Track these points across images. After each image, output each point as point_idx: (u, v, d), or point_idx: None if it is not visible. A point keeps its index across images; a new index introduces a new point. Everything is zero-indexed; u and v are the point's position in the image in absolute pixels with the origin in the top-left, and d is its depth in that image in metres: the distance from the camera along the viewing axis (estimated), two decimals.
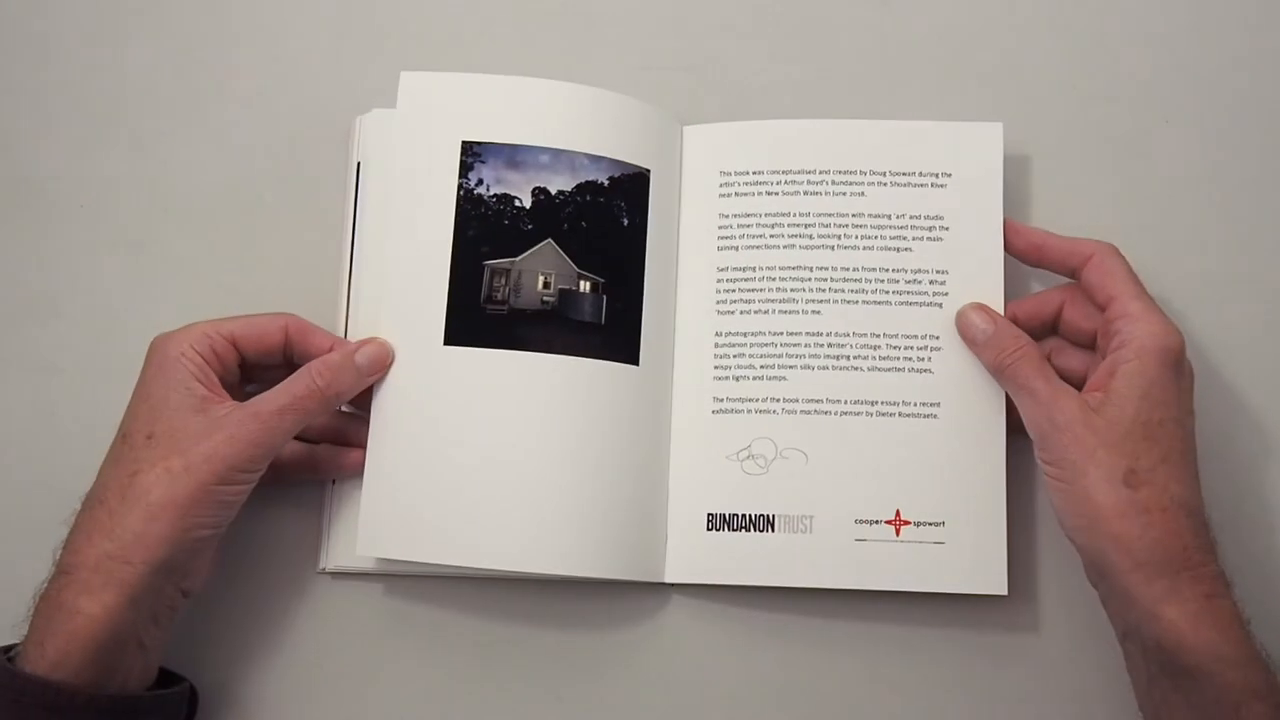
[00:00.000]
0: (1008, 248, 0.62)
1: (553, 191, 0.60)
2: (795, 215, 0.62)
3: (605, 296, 0.60)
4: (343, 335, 0.61)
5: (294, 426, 0.56)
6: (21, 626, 0.53)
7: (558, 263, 0.60)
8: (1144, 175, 0.65)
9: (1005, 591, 0.59)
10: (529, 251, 0.60)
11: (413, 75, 0.61)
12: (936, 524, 0.59)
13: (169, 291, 0.64)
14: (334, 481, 0.60)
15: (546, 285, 0.60)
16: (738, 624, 0.60)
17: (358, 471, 0.58)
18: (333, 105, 0.65)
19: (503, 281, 0.59)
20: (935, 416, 0.60)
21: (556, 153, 0.60)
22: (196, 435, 0.53)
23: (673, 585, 0.60)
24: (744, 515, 0.60)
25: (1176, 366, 0.55)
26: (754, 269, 0.62)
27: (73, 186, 0.66)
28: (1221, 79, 0.66)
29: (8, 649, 0.53)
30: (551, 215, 0.60)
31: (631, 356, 0.60)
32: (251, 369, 0.59)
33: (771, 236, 0.62)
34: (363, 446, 0.58)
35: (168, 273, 0.64)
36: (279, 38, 0.67)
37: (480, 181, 0.60)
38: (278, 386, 0.56)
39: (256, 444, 0.54)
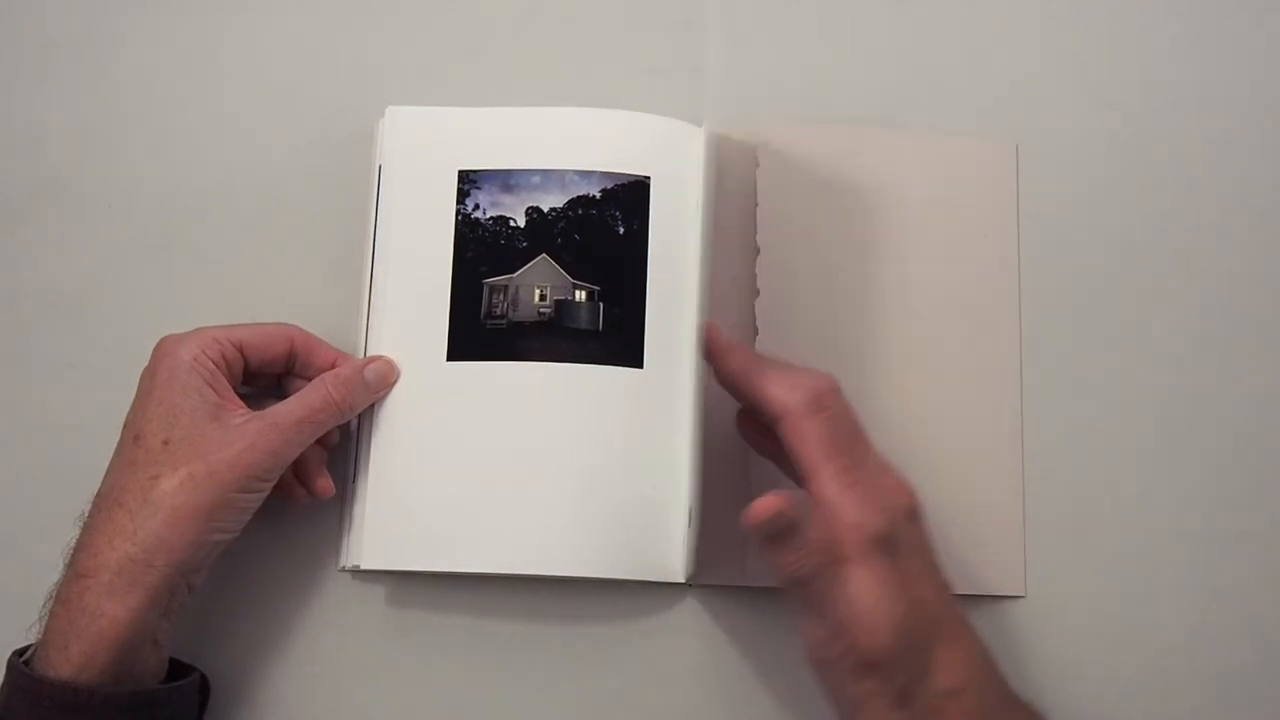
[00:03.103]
0: (710, 359, 0.57)
1: (545, 209, 0.62)
2: None
3: (602, 304, 0.61)
4: (364, 335, 0.62)
5: (310, 438, 0.57)
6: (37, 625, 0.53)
7: (552, 275, 0.61)
8: (1159, 184, 0.65)
9: (1024, 593, 0.59)
10: (525, 267, 0.62)
11: (401, 110, 0.63)
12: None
13: (194, 290, 0.64)
14: (354, 480, 0.61)
15: (543, 297, 0.61)
16: (755, 623, 0.60)
17: (327, 496, 0.59)
18: (356, 106, 0.66)
19: (501, 297, 0.61)
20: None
21: (546, 173, 0.62)
22: (217, 443, 0.54)
23: (690, 585, 0.60)
24: None
25: (882, 550, 0.50)
26: None
27: (99, 186, 0.66)
28: (1240, 86, 0.67)
29: (22, 651, 0.53)
30: (545, 231, 0.62)
31: (635, 360, 0.60)
32: (251, 376, 0.59)
33: None
34: (315, 475, 0.59)
35: (192, 272, 0.65)
36: (303, 39, 0.68)
37: (477, 206, 0.62)
38: (293, 398, 0.57)
39: (275, 453, 0.55)
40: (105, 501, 0.53)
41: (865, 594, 0.49)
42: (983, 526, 0.60)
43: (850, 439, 0.52)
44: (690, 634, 0.60)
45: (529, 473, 0.59)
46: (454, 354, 0.61)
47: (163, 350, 0.56)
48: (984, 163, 0.64)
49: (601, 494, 0.59)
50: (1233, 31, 0.68)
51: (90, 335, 0.64)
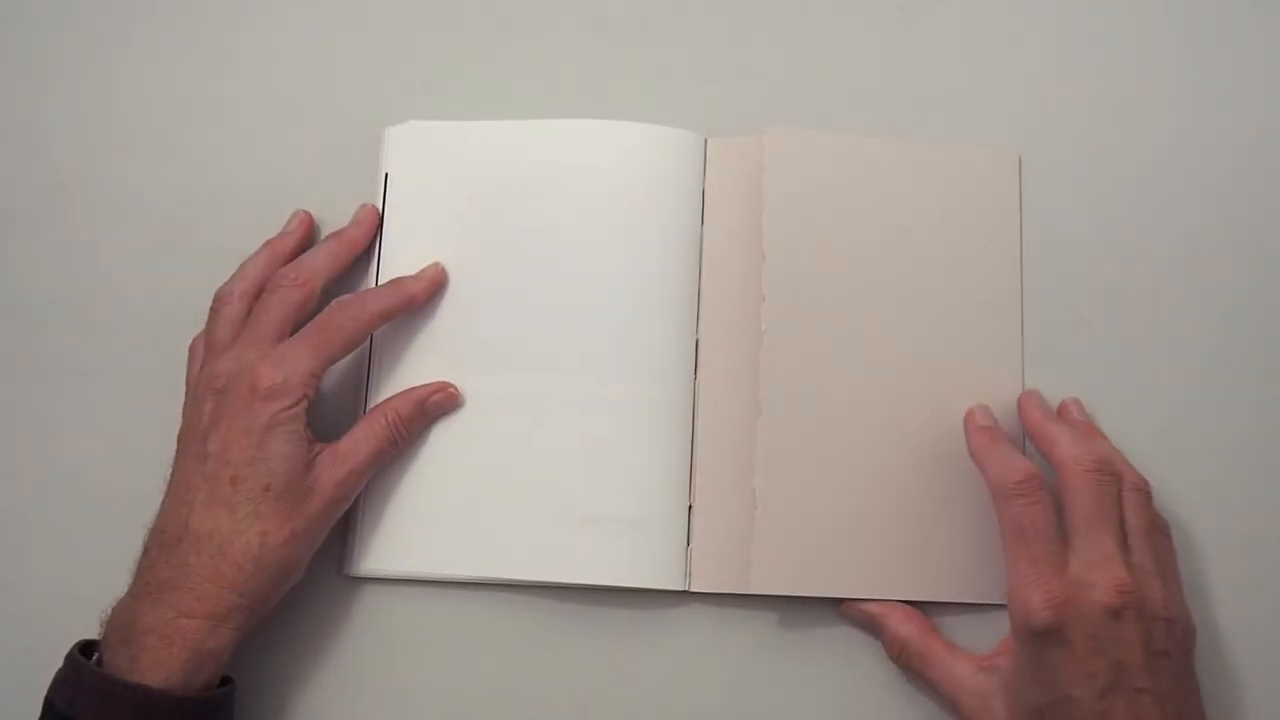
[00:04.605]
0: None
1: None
2: None
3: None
4: (368, 345, 0.62)
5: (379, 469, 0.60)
6: (70, 626, 0.54)
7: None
8: (1163, 194, 0.65)
9: None
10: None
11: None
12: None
13: (199, 299, 0.64)
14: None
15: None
16: (755, 632, 0.60)
17: None
18: (363, 115, 0.66)
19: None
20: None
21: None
22: (311, 494, 0.56)
23: (694, 593, 0.60)
24: None
25: (1047, 643, 0.52)
26: None
27: (104, 194, 0.66)
28: (1247, 96, 0.67)
29: (84, 651, 0.53)
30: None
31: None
32: None
33: None
34: None
35: (198, 280, 0.64)
36: (310, 47, 0.68)
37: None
38: (362, 434, 0.58)
39: (353, 494, 0.58)
40: (206, 546, 0.53)
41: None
42: (986, 536, 0.60)
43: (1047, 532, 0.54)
44: (690, 642, 0.60)
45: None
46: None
47: (265, 389, 0.55)
48: (987, 172, 0.64)
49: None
50: (1239, 41, 0.67)
51: (96, 343, 0.64)
